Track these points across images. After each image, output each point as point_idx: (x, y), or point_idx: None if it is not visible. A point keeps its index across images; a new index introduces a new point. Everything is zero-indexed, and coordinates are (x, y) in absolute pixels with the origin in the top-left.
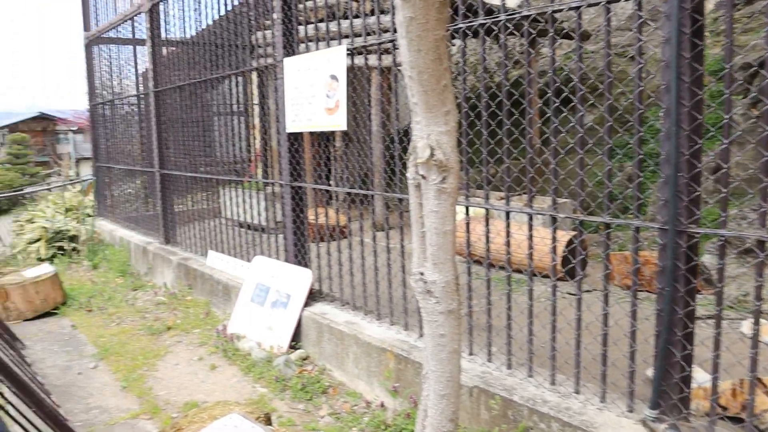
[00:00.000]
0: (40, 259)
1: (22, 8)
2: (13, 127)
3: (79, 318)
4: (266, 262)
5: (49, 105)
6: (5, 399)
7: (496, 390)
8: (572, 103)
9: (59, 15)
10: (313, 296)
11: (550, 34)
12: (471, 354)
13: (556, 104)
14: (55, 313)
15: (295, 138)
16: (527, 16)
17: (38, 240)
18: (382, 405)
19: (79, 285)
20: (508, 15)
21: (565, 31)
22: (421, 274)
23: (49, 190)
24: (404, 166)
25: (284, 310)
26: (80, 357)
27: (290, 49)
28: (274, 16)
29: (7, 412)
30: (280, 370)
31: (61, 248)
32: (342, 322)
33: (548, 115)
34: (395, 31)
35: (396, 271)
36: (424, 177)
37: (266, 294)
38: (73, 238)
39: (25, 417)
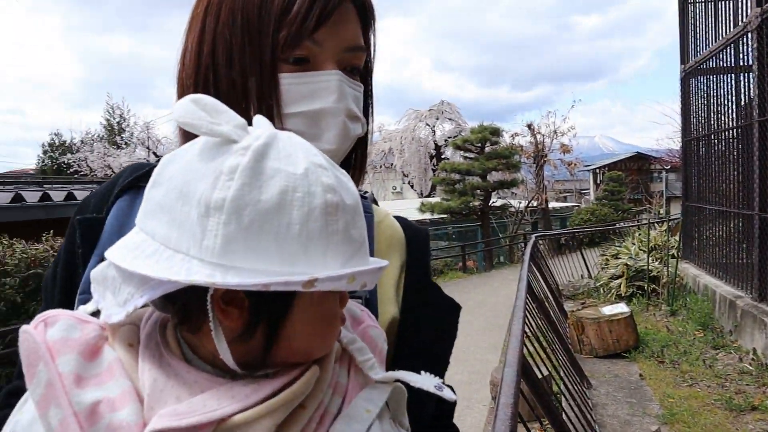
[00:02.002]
0: (619, 297)
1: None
2: (611, 166)
3: (648, 368)
4: None
5: (646, 145)
6: None
7: None
8: None
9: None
10: None
11: None
12: None
13: None
14: (625, 357)
15: None
16: None
17: (620, 277)
18: None
19: (654, 330)
20: None
21: None
22: None
23: (637, 227)
24: None
25: None
26: (643, 414)
27: None
28: None
29: None
30: None
31: (640, 288)
32: None
33: None
34: None
35: None
36: None
37: None
38: (653, 279)
39: None
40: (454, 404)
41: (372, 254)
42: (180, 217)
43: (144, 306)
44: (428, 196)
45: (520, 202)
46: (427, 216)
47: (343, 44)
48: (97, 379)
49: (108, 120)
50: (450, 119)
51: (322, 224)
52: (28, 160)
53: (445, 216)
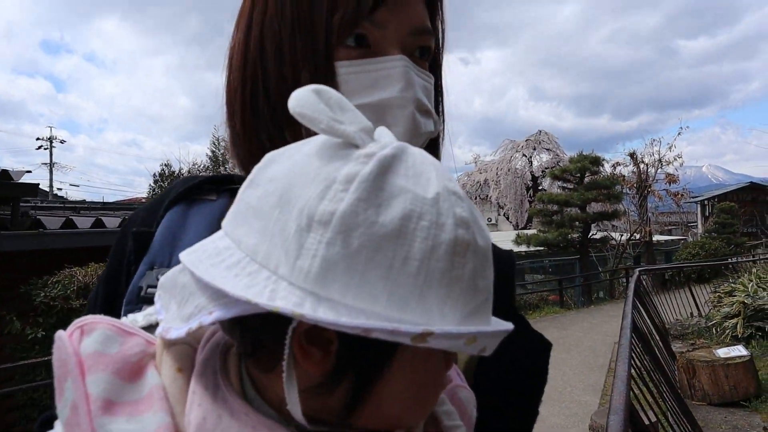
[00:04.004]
0: (735, 338)
1: None
2: (722, 197)
3: None
4: None
5: (761, 174)
6: None
7: None
8: None
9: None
10: None
11: None
12: None
13: None
14: (744, 406)
15: None
16: None
17: (736, 316)
18: None
19: None
20: None
21: None
22: None
23: (753, 261)
24: None
25: None
26: None
27: None
28: None
29: None
30: None
31: (760, 329)
32: None
33: None
34: None
35: None
36: None
37: None
38: None
39: None
40: None
41: None
42: (275, 226)
43: (212, 324)
44: (524, 228)
45: (621, 235)
46: (523, 248)
47: (407, 25)
48: (132, 408)
49: (213, 152)
50: (547, 149)
51: (447, 266)
52: (141, 189)
53: (541, 248)
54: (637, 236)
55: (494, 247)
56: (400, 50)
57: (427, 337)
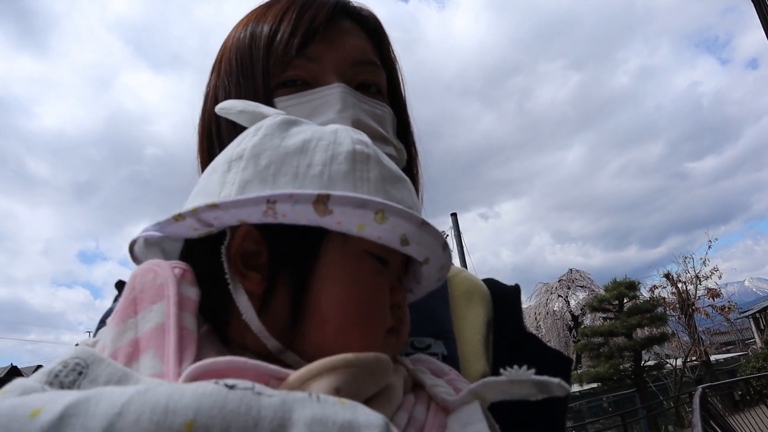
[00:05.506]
0: None
1: None
2: None
3: None
4: None
5: None
6: None
7: None
8: None
9: None
10: None
11: None
12: None
13: None
14: None
15: None
16: None
17: None
18: None
19: None
20: None
21: None
22: None
23: None
24: None
25: None
26: None
27: None
28: None
29: None
30: None
31: None
32: None
33: None
34: None
35: None
36: None
37: None
38: None
39: None
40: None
41: (449, 307)
42: (208, 186)
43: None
44: (574, 370)
45: (676, 359)
46: (576, 388)
47: (345, 58)
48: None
49: None
50: (582, 287)
51: (349, 168)
52: None
53: (595, 386)
54: (693, 358)
55: (498, 282)
56: (341, 80)
57: (328, 201)
